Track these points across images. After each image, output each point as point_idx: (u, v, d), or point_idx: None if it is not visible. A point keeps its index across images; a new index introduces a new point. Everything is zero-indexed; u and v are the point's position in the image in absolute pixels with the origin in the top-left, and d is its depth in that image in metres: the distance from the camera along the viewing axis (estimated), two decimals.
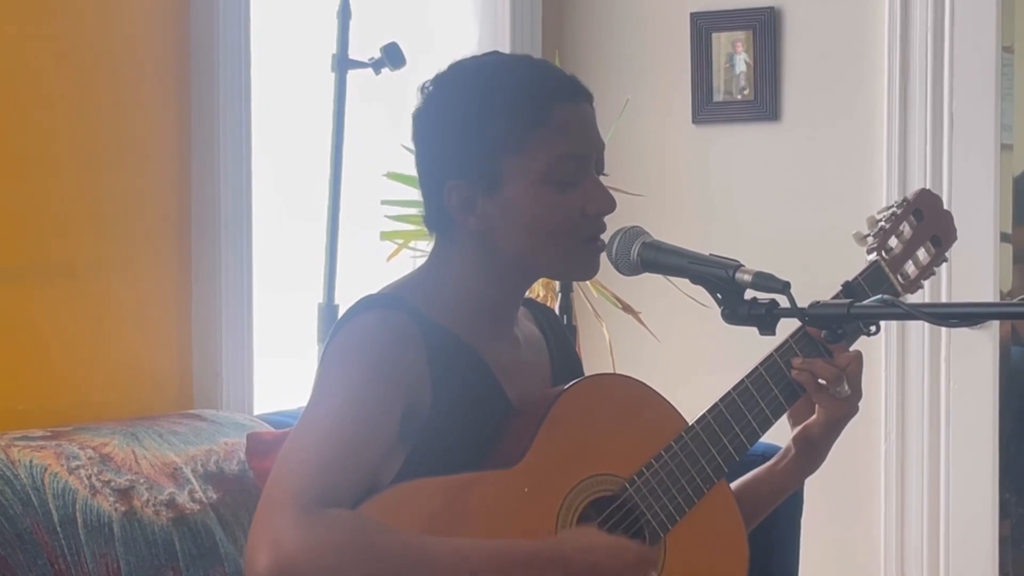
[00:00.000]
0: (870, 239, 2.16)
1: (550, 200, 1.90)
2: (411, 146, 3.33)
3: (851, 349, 2.05)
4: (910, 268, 2.19)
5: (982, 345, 3.77)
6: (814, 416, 2.06)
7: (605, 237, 1.94)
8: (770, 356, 2.06)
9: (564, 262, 1.95)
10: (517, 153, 1.89)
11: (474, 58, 2.02)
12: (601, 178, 1.97)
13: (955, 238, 2.24)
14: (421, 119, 1.97)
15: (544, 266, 1.97)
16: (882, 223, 2.17)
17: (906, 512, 3.82)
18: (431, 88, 1.97)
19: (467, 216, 1.92)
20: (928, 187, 3.71)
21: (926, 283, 2.24)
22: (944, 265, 2.31)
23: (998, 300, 3.73)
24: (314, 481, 1.68)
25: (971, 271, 3.64)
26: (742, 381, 2.04)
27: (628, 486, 1.93)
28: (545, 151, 1.89)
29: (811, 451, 2.09)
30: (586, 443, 1.92)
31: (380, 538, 1.67)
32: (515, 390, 1.96)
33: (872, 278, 2.12)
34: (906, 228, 2.18)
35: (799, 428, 2.08)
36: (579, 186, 1.92)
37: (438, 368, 1.86)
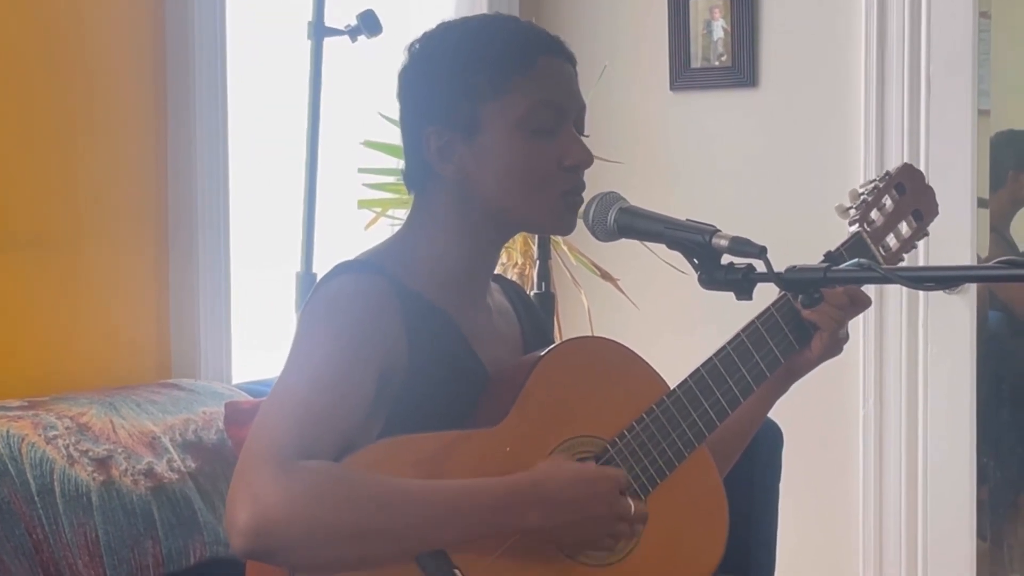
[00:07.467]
0: (852, 211, 2.17)
1: (526, 147, 1.91)
2: (388, 114, 3.29)
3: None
4: (891, 241, 2.21)
5: (959, 309, 3.78)
6: (808, 352, 2.12)
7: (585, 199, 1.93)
8: (752, 324, 2.07)
9: (539, 213, 1.94)
10: (496, 98, 1.90)
11: (462, 18, 2.03)
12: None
13: (937, 212, 2.25)
14: (407, 73, 1.98)
15: (519, 217, 1.96)
16: (864, 196, 2.18)
17: (884, 476, 3.84)
18: (418, 45, 1.98)
19: (445, 163, 1.93)
20: (905, 152, 3.73)
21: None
22: None
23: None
24: (292, 437, 1.68)
25: (948, 236, 3.64)
26: (723, 348, 2.05)
27: (609, 447, 1.94)
28: (524, 97, 1.90)
29: (790, 380, 2.16)
30: (568, 405, 1.92)
31: (357, 485, 1.67)
32: (488, 357, 1.96)
33: (854, 249, 2.13)
34: (888, 201, 2.19)
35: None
36: (556, 137, 1.92)
37: (414, 332, 1.86)
